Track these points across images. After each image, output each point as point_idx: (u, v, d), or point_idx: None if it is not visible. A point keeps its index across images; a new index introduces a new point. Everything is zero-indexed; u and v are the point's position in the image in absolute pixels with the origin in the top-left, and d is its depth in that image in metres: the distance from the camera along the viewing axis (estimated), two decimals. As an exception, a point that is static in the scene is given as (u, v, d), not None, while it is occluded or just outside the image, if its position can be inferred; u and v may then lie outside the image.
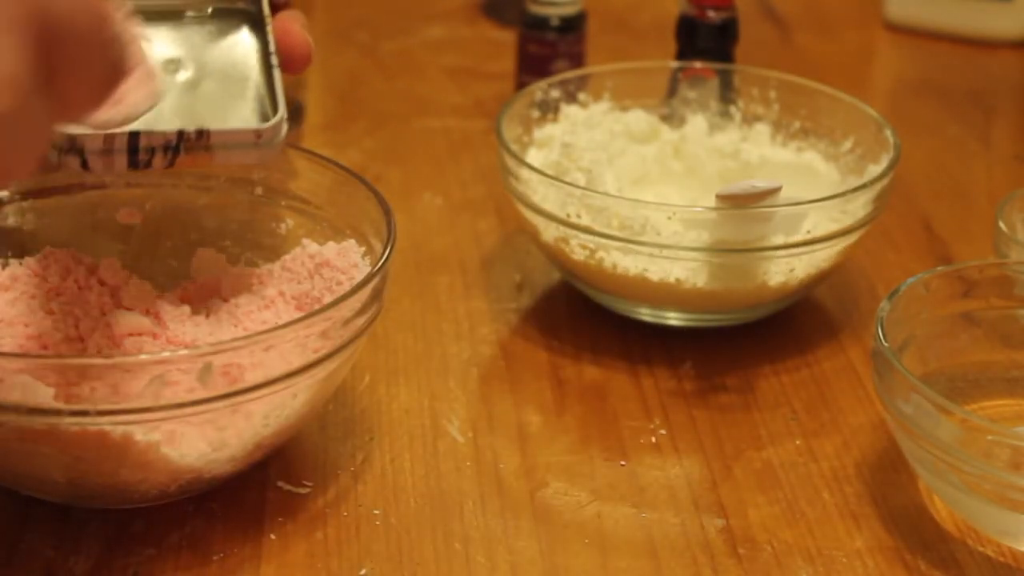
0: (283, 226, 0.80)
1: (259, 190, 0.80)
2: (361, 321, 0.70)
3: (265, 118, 0.70)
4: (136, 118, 0.65)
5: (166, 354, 0.65)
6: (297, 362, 0.67)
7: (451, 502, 0.73)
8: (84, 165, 0.67)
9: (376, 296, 0.71)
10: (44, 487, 0.69)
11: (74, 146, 0.67)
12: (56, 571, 0.68)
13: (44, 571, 0.68)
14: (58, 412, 0.64)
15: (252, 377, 0.66)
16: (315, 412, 0.74)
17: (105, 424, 0.64)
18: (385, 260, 0.71)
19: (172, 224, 0.81)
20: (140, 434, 0.65)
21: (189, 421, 0.66)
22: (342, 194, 0.78)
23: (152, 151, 0.68)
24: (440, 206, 0.99)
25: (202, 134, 0.68)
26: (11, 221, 0.79)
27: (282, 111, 0.70)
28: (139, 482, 0.68)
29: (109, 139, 0.67)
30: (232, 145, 0.69)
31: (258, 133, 0.69)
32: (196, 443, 0.67)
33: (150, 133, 0.67)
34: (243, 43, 0.74)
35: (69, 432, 0.65)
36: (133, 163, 0.68)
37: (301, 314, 0.72)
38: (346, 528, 0.71)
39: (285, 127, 0.70)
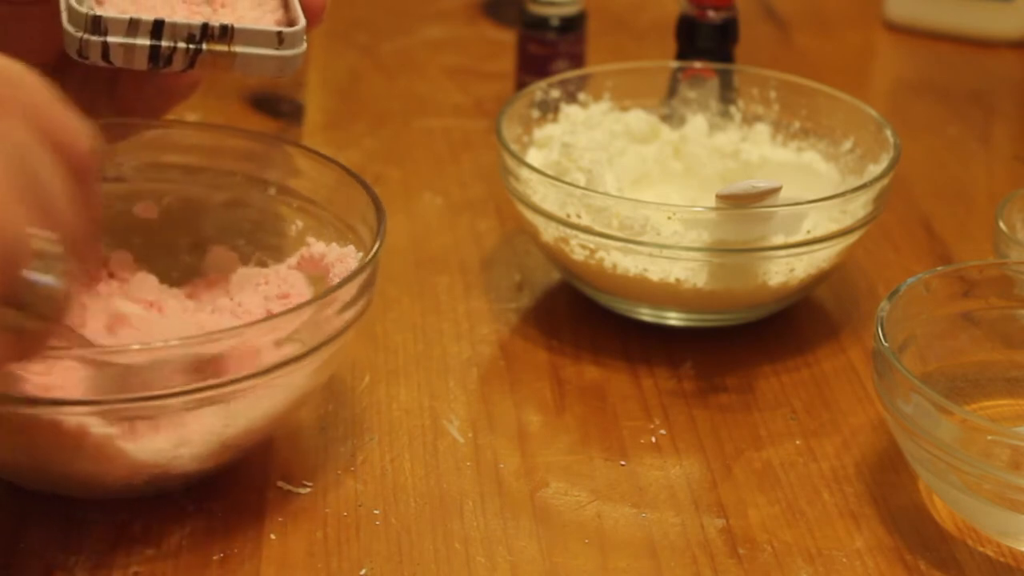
0: (293, 228, 0.80)
1: (272, 190, 0.80)
2: (331, 327, 0.69)
3: None
4: None
5: (116, 347, 0.65)
6: (264, 363, 0.67)
7: (451, 502, 0.73)
8: (105, 55, 0.68)
9: (352, 303, 0.70)
10: (11, 471, 0.70)
11: (98, 28, 0.68)
12: (56, 571, 0.68)
13: (44, 571, 0.68)
14: (9, 399, 0.64)
15: (210, 376, 0.65)
16: (285, 417, 0.72)
17: (57, 414, 0.64)
18: (360, 272, 0.70)
19: (188, 220, 0.81)
20: (95, 426, 0.65)
21: (144, 416, 0.66)
22: (342, 194, 0.78)
23: (174, 45, 0.69)
24: (440, 206, 0.99)
25: (226, 29, 0.70)
26: None
27: (303, 21, 0.71)
28: (100, 474, 0.68)
29: (134, 23, 0.68)
30: (254, 45, 0.70)
31: (280, 36, 0.70)
32: (154, 439, 0.67)
33: (174, 23, 0.69)
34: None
35: (22, 418, 0.64)
36: (154, 56, 0.69)
37: None
38: (346, 528, 0.71)
39: (305, 42, 0.71)
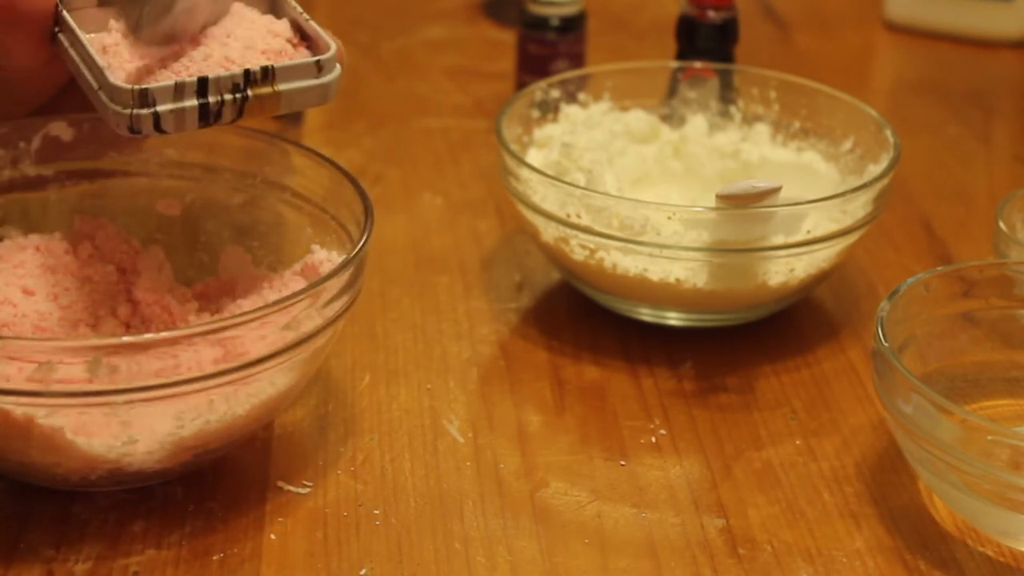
0: (302, 233, 0.80)
1: (287, 194, 0.80)
2: (270, 342, 0.68)
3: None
4: None
5: (54, 341, 0.65)
6: (204, 369, 0.66)
7: (451, 502, 0.73)
8: (157, 124, 0.68)
9: (293, 323, 0.69)
10: None
11: (146, 100, 0.68)
12: (56, 571, 0.68)
13: (44, 571, 0.68)
14: None
15: (144, 376, 0.65)
16: (253, 423, 0.72)
17: (4, 403, 0.65)
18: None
19: (208, 219, 0.82)
20: (41, 418, 0.66)
21: (87, 411, 0.66)
22: (340, 194, 0.78)
23: (221, 99, 0.69)
24: (440, 206, 0.99)
25: (267, 71, 0.70)
26: (53, 198, 0.80)
27: (333, 45, 0.72)
28: (54, 465, 0.68)
29: (179, 87, 0.68)
30: (296, 79, 0.70)
31: (319, 64, 0.71)
32: (102, 434, 0.67)
33: (218, 77, 0.69)
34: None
35: None
36: (203, 115, 0.69)
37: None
38: (346, 528, 0.71)
39: (338, 67, 0.72)
